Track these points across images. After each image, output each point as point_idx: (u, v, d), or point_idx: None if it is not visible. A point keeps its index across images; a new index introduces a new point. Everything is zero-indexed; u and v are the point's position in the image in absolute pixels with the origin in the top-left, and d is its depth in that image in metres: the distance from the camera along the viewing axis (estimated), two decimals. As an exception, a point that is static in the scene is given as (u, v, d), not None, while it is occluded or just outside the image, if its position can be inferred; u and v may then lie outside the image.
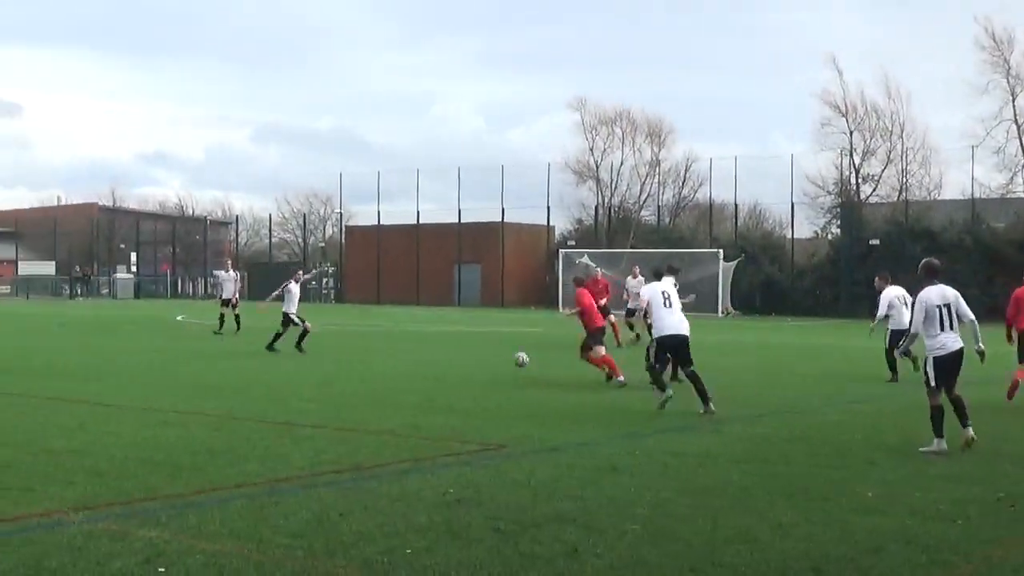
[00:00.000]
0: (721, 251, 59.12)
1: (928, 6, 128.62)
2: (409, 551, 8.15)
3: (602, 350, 20.64)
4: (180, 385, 19.43)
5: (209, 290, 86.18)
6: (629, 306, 32.63)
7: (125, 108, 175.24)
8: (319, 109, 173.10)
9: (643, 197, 76.65)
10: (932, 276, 13.72)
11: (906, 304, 21.94)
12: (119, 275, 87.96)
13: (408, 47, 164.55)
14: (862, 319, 50.45)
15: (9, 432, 13.72)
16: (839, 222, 64.10)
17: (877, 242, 57.07)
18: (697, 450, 12.95)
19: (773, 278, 61.13)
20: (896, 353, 14.91)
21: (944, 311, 13.40)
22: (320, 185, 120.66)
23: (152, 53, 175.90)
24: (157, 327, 40.39)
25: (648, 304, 17.53)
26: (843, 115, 67.34)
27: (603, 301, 31.72)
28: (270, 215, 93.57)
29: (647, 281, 30.81)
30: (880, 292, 22.78)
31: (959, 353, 13.39)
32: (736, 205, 66.91)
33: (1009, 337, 18.33)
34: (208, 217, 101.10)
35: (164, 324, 43.06)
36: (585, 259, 61.20)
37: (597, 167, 77.91)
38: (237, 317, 35.60)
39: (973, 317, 13.67)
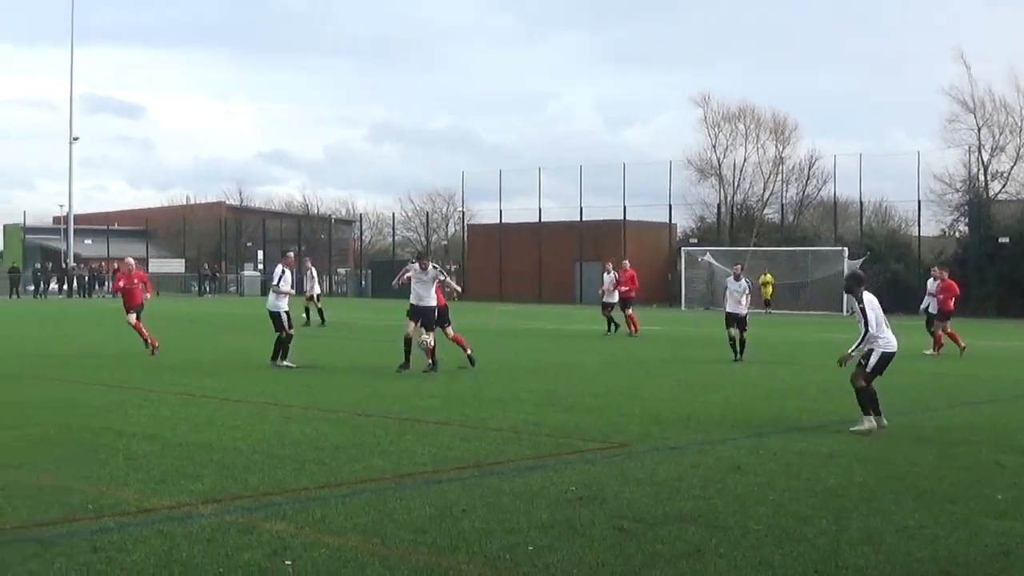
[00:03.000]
0: (846, 249, 58.40)
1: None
2: (531, 548, 8.17)
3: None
4: (305, 381, 19.66)
5: (334, 288, 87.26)
6: (604, 300, 35.50)
7: (243, 108, 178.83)
8: (434, 108, 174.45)
9: (766, 194, 75.90)
10: (864, 284, 15.10)
11: None
12: (246, 272, 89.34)
13: (525, 44, 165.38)
14: (991, 318, 49.57)
15: (140, 426, 14.02)
16: (967, 220, 62.83)
17: (1007, 240, 55.88)
18: (821, 450, 12.82)
19: (899, 276, 60.09)
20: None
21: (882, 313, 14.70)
22: (438, 183, 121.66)
23: (267, 53, 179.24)
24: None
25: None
26: (971, 111, 65.94)
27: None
28: (393, 214, 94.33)
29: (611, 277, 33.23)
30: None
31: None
32: (861, 202, 66.04)
33: None
34: (333, 216, 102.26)
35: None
36: (708, 257, 60.95)
37: (720, 164, 77.37)
38: (320, 311, 38.35)
39: None
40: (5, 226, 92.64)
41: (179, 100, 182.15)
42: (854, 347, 14.61)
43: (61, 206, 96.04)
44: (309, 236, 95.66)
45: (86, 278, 79.24)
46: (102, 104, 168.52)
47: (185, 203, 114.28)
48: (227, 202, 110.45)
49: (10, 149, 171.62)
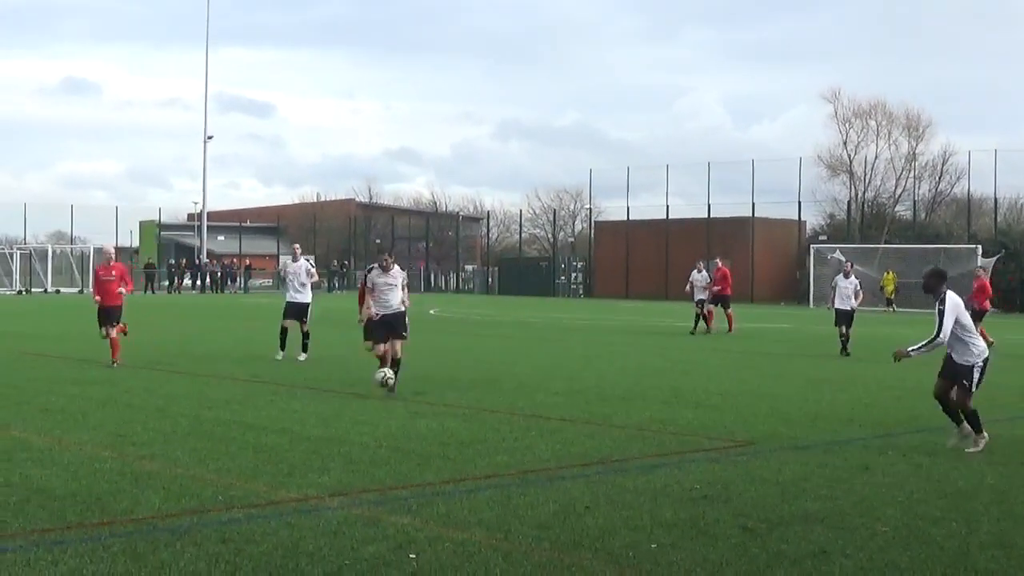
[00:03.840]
0: (979, 247, 57.23)
1: None
2: (654, 546, 8.15)
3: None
4: (430, 377, 19.78)
5: (461, 284, 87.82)
6: (696, 297, 35.19)
7: (369, 106, 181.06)
8: (560, 105, 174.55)
9: (898, 191, 74.88)
10: (947, 282, 13.05)
11: None
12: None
13: (652, 41, 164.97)
14: None
15: (270, 420, 14.25)
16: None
17: None
18: (951, 451, 12.59)
19: (1036, 275, 58.85)
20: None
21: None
22: (565, 180, 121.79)
23: (392, 52, 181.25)
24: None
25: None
26: (1113, 104, 64.37)
27: None
28: (520, 211, 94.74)
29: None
30: None
31: None
32: (996, 199, 64.75)
33: None
34: (460, 213, 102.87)
35: (417, 318, 43.87)
36: (837, 254, 60.16)
37: (851, 160, 76.40)
38: None
39: None
40: (141, 223, 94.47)
41: (307, 99, 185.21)
42: (917, 347, 12.96)
43: (195, 203, 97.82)
44: (437, 233, 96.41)
45: (218, 274, 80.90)
46: (233, 103, 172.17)
47: (315, 200, 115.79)
48: (356, 199, 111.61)
49: (146, 147, 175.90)
